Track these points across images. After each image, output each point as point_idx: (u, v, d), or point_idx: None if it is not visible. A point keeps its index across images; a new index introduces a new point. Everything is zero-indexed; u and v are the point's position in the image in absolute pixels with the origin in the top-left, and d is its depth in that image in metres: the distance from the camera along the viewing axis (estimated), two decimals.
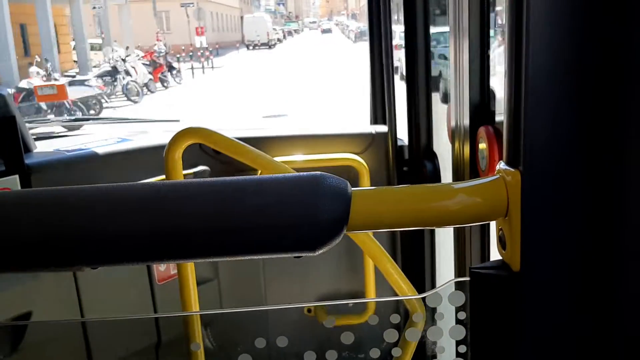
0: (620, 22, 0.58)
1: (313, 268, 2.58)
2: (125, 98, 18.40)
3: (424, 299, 0.80)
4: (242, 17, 61.72)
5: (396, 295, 1.87)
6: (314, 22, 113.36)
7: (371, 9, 2.49)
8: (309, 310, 2.35)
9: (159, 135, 2.44)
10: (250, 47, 49.85)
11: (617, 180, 0.61)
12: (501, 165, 0.68)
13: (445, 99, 2.14)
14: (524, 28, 0.61)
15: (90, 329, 2.18)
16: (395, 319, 0.86)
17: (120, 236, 0.64)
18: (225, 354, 2.18)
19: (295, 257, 0.67)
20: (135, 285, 2.35)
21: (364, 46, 2.80)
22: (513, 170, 0.65)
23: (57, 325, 1.92)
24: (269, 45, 50.73)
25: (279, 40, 58.99)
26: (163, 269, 2.40)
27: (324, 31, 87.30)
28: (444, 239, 2.13)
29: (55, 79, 13.16)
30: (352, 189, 0.67)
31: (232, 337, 1.21)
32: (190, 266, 1.98)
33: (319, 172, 0.66)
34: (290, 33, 74.96)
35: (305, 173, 0.67)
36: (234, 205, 0.64)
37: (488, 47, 1.52)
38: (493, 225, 0.72)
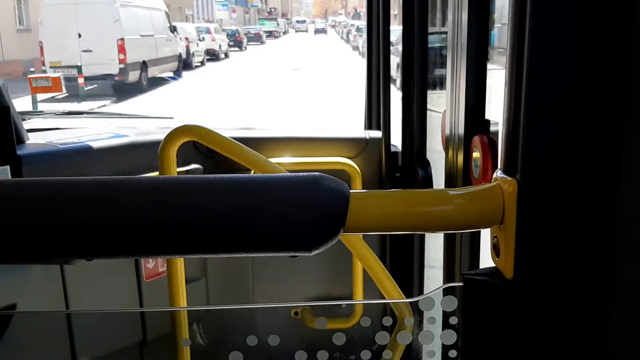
0: (619, 34, 0.59)
1: (302, 270, 2.57)
2: None
3: (416, 302, 0.81)
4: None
5: (384, 299, 1.88)
6: (303, 21, 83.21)
7: (370, 16, 2.50)
8: (296, 313, 2.35)
9: (154, 132, 2.43)
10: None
11: (614, 191, 0.62)
12: (498, 173, 0.69)
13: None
14: (525, 38, 0.61)
15: (75, 325, 2.16)
16: (387, 321, 0.87)
17: (114, 229, 0.64)
18: (215, 352, 2.17)
19: (290, 256, 0.68)
20: (123, 282, 2.33)
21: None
22: (510, 178, 0.65)
23: (42, 320, 1.91)
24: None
25: (199, 59, 25.32)
26: (151, 266, 2.39)
27: (317, 31, 68.05)
28: (434, 244, 2.14)
29: None
30: (350, 191, 0.67)
31: (221, 335, 1.22)
32: (179, 263, 1.97)
33: (317, 173, 0.67)
34: (257, 38, 46.53)
35: (304, 173, 0.67)
36: (233, 202, 0.64)
37: (486, 55, 1.53)
38: (484, 232, 0.73)
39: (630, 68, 0.59)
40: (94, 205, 0.65)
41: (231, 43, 35.84)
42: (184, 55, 22.11)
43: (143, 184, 0.68)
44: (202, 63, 26.15)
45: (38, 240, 0.64)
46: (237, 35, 39.16)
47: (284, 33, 69.18)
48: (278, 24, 65.70)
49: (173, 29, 20.65)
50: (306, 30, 76.29)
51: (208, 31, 29.71)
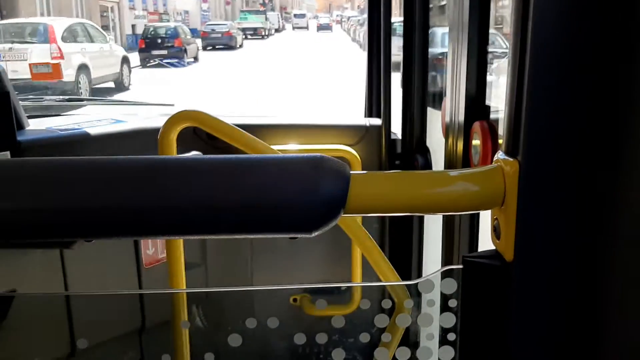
0: (622, 17, 0.58)
1: (301, 256, 2.58)
2: None
3: (415, 285, 0.81)
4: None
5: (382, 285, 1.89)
6: (302, 15, 64.26)
7: (372, 4, 2.50)
8: (295, 300, 2.36)
9: (154, 119, 2.43)
10: None
11: (616, 173, 0.61)
12: (499, 154, 0.68)
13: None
14: (529, 20, 0.61)
15: (74, 311, 2.17)
16: (386, 304, 0.87)
17: (115, 209, 0.63)
18: (214, 334, 2.18)
19: (290, 238, 0.67)
20: (122, 269, 2.34)
21: None
22: (512, 160, 0.65)
23: (41, 306, 1.92)
24: None
25: None
26: (151, 253, 2.39)
27: (321, 28, 54.39)
28: (433, 228, 2.14)
29: None
30: (352, 172, 0.67)
31: (220, 318, 1.23)
32: (179, 249, 1.97)
33: (318, 154, 0.66)
34: (226, 39, 29.86)
35: (305, 154, 0.67)
36: (233, 183, 0.64)
37: (487, 42, 1.53)
38: (482, 215, 0.73)
39: (635, 49, 0.59)
40: (92, 186, 0.64)
41: (163, 52, 21.29)
42: None
43: (141, 164, 0.67)
44: None
45: (37, 221, 0.64)
46: (174, 38, 21.90)
47: (277, 30, 52.50)
48: (266, 19, 48.17)
49: None
50: (306, 27, 59.45)
51: (49, 35, 13.02)
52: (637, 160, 0.60)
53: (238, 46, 31.35)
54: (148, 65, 20.65)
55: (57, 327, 2.16)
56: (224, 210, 0.64)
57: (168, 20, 34.82)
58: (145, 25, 25.73)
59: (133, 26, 29.43)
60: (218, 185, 0.64)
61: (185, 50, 22.49)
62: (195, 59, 23.70)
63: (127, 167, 0.67)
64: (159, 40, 21.98)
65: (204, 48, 28.07)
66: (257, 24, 44.38)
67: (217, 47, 29.17)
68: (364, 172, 0.71)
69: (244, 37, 36.23)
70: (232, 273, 2.60)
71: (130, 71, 16.54)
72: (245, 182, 0.64)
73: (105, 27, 27.32)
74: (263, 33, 43.85)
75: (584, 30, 0.60)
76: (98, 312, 2.08)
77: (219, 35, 30.20)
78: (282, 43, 36.53)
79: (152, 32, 22.37)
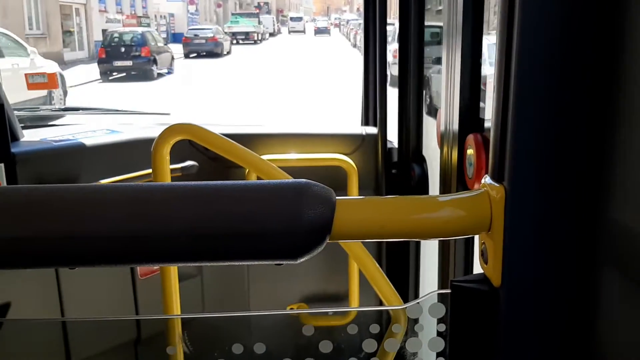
0: (610, 44, 0.58)
1: (298, 268, 2.56)
2: None
3: (404, 309, 0.81)
4: None
5: (379, 299, 1.88)
6: (298, 18, 61.07)
7: (367, 13, 2.51)
8: (292, 309, 2.35)
9: (149, 129, 2.42)
10: None
11: (601, 201, 0.61)
12: (486, 179, 0.68)
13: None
14: (513, 46, 0.61)
15: (69, 323, 2.17)
16: (375, 328, 0.86)
17: (101, 238, 0.63)
18: (203, 358, 2.18)
19: (276, 264, 0.67)
20: (117, 279, 2.33)
21: None
22: (498, 185, 0.65)
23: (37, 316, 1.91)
24: None
25: None
26: None
27: (318, 31, 52.55)
28: (430, 248, 2.14)
29: None
30: (337, 197, 0.67)
31: (211, 339, 1.22)
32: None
33: (304, 180, 0.66)
34: (211, 45, 26.91)
35: (290, 180, 0.66)
36: (217, 211, 0.64)
37: (481, 54, 1.53)
38: (477, 237, 0.73)
39: (618, 77, 0.59)
40: (80, 214, 0.64)
41: (126, 63, 18.52)
42: None
43: (126, 192, 0.67)
44: None
45: (26, 249, 0.64)
46: (141, 45, 18.78)
47: (272, 34, 50.21)
48: (260, 22, 44.81)
49: None
50: (303, 31, 57.01)
51: None
52: (621, 186, 0.60)
53: (225, 53, 28.36)
54: (111, 78, 17.98)
55: (52, 338, 2.15)
56: (208, 238, 0.64)
57: (148, 25, 31.81)
58: (107, 30, 22.13)
59: (104, 31, 24.62)
60: (202, 213, 0.64)
61: (155, 60, 19.01)
62: (170, 70, 20.22)
63: (109, 195, 0.66)
64: (123, 49, 18.67)
65: (187, 55, 26.05)
66: (249, 28, 41.32)
67: (201, 54, 26.87)
68: (350, 197, 0.71)
69: (235, 42, 34.12)
70: (228, 283, 2.59)
71: (65, 92, 12.99)
72: (229, 209, 0.64)
73: (69, 33, 24.92)
74: (255, 38, 40.99)
75: (568, 60, 0.60)
76: (93, 324, 2.07)
77: (203, 41, 27.13)
78: (275, 49, 33.90)
79: (116, 39, 19.04)
